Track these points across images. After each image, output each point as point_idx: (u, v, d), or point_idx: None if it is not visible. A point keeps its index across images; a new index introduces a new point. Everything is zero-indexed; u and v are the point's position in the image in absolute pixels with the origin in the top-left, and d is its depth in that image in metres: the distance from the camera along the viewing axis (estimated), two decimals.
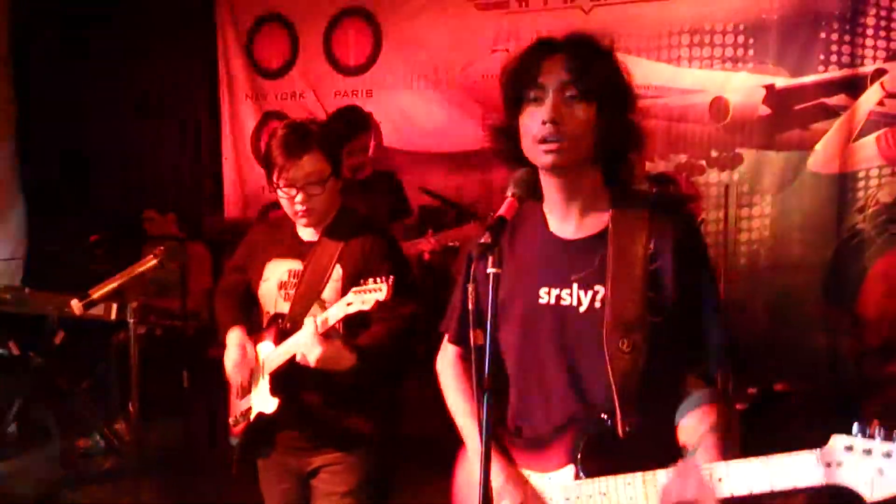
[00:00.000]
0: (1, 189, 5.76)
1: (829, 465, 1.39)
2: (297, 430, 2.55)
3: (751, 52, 5.26)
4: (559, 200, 1.78)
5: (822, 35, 5.09)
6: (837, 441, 1.38)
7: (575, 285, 1.73)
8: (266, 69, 6.23)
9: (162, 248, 2.47)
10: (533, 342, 1.79)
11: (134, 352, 2.64)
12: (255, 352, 2.57)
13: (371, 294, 2.18)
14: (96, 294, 2.37)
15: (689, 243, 1.74)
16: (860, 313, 5.09)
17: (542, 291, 1.76)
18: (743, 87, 5.29)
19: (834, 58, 5.10)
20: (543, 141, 1.66)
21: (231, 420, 2.70)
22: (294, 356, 2.37)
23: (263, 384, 2.54)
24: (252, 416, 2.58)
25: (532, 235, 1.83)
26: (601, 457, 1.66)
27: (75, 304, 2.40)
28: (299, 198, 2.41)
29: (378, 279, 2.19)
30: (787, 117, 5.21)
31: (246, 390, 2.64)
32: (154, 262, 2.43)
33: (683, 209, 1.89)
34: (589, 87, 1.64)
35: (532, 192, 1.72)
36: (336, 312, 2.26)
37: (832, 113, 5.11)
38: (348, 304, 2.23)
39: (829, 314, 5.15)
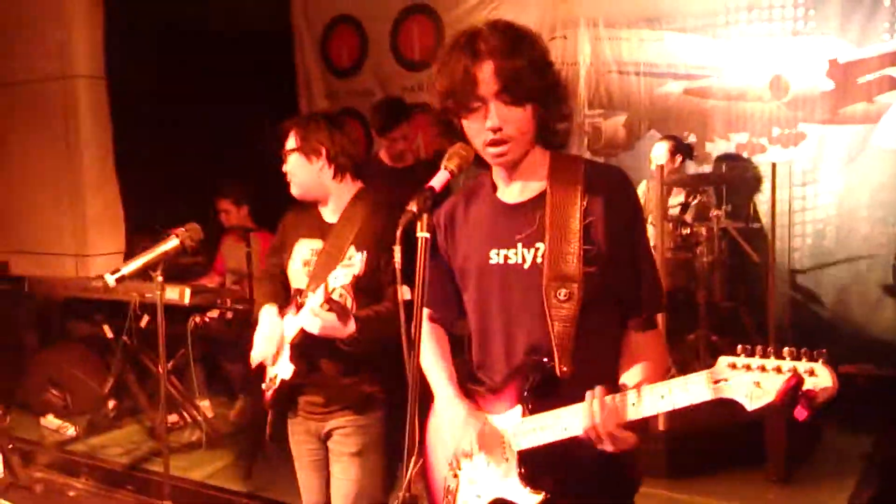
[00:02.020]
0: (103, 192, 6.30)
1: (716, 382, 1.54)
2: (313, 394, 2.78)
3: (811, 24, 5.16)
4: (504, 173, 1.95)
5: (886, 3, 4.95)
6: (722, 360, 1.53)
7: (520, 244, 1.89)
8: (339, 68, 6.56)
9: (183, 228, 2.74)
10: (486, 300, 1.96)
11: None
12: (282, 324, 2.82)
13: (349, 269, 2.39)
14: (125, 269, 2.68)
15: (619, 199, 1.87)
16: None
17: (492, 253, 1.93)
18: (804, 61, 5.19)
19: None
20: (491, 144, 1.83)
21: (263, 387, 2.95)
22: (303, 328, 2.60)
23: (285, 353, 2.78)
24: (277, 383, 2.82)
25: (483, 203, 2.01)
26: (544, 396, 1.83)
27: (107, 277, 2.72)
28: (285, 167, 2.78)
29: (358, 255, 2.39)
30: (850, 91, 5.09)
31: (274, 359, 2.89)
32: (176, 241, 2.71)
33: (614, 170, 2.00)
34: (522, 92, 1.79)
35: (466, 165, 1.87)
36: (328, 285, 2.48)
37: None
38: (335, 278, 2.44)
39: None
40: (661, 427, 4.19)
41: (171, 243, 2.75)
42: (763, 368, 1.48)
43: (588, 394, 1.71)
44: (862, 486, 4.00)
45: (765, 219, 5.16)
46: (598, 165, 1.98)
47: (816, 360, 1.42)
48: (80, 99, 6.30)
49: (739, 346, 1.52)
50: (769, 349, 1.49)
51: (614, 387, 1.75)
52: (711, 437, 4.32)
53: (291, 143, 2.78)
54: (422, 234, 1.74)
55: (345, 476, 2.76)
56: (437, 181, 1.81)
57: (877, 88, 5.02)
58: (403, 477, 1.69)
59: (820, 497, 3.97)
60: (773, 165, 4.75)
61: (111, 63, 6.25)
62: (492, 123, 1.80)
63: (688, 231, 4.83)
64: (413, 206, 1.74)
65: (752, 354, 1.50)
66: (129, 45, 6.20)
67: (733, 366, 1.52)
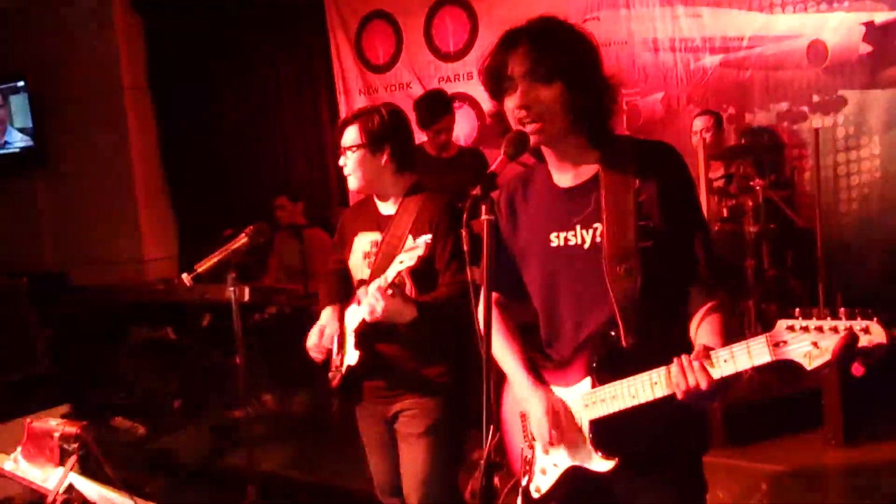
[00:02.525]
0: (154, 200, 6.51)
1: (776, 345, 1.62)
2: (379, 379, 2.89)
3: None
4: (554, 159, 2.03)
5: None
6: (781, 323, 1.61)
7: (578, 226, 1.98)
8: (374, 64, 6.66)
9: (251, 227, 2.88)
10: (550, 281, 2.05)
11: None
12: (342, 319, 2.93)
13: (414, 251, 2.49)
14: (201, 268, 2.83)
15: (671, 175, 1.95)
16: None
17: (553, 236, 2.02)
18: (840, 26, 5.17)
19: None
20: (521, 123, 1.91)
21: (329, 375, 3.07)
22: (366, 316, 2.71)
23: (349, 340, 2.90)
24: (343, 370, 2.94)
25: (540, 189, 2.10)
26: (611, 367, 1.91)
27: (185, 277, 2.87)
28: (341, 161, 2.87)
29: (422, 237, 2.49)
30: (889, 53, 5.06)
31: (340, 349, 3.01)
32: (245, 239, 2.85)
33: (665, 147, 2.06)
34: (549, 70, 1.87)
35: (522, 150, 1.96)
36: (392, 271, 2.59)
37: None
38: (400, 262, 2.55)
39: None
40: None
41: (241, 241, 2.89)
42: (820, 329, 1.55)
43: (678, 360, 1.77)
44: None
45: (809, 186, 5.17)
46: (647, 144, 2.04)
47: (871, 318, 1.50)
48: (126, 110, 6.49)
49: (798, 309, 1.59)
50: (825, 311, 1.56)
51: (676, 355, 1.82)
52: (769, 404, 4.38)
53: (354, 138, 2.84)
54: (487, 217, 1.83)
55: (412, 456, 2.85)
56: (498, 166, 1.90)
57: None
58: (483, 447, 1.79)
59: (880, 457, 3.99)
60: (816, 131, 4.76)
61: (153, 73, 6.43)
62: (519, 101, 1.88)
63: (733, 202, 4.86)
64: (476, 191, 1.83)
65: (809, 317, 1.58)
66: (170, 55, 6.37)
67: (791, 328, 1.59)
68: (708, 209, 4.42)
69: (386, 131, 2.83)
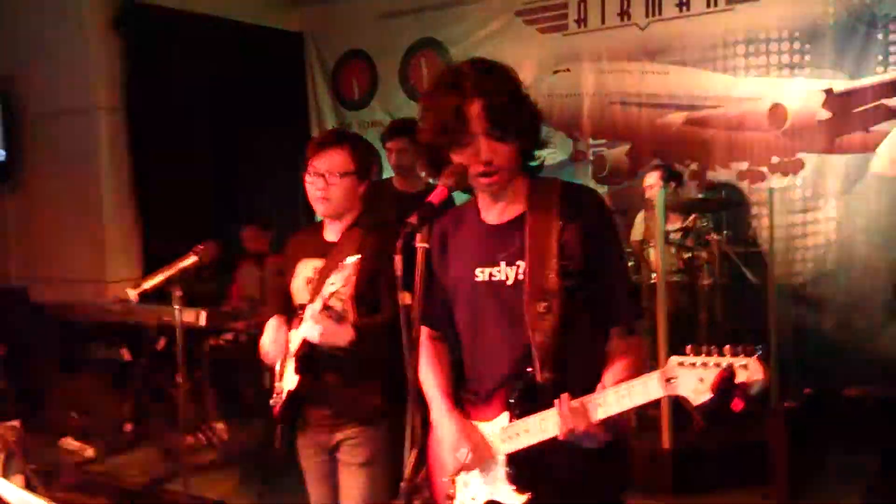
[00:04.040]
0: (121, 221, 6.50)
1: (668, 380, 1.68)
2: (321, 407, 2.87)
3: (807, 57, 5.34)
4: (486, 197, 2.11)
5: (880, 36, 5.12)
6: (673, 360, 1.68)
7: (503, 263, 2.04)
8: (349, 100, 6.77)
9: (201, 246, 2.90)
10: (474, 315, 2.11)
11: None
12: (287, 338, 2.94)
13: (342, 272, 2.51)
14: (147, 284, 2.84)
15: (592, 217, 2.02)
16: None
17: (478, 271, 2.08)
18: (801, 92, 5.36)
19: (893, 58, 5.11)
20: (482, 175, 1.98)
21: (271, 401, 3.07)
22: (304, 338, 2.73)
23: (290, 365, 2.89)
24: (284, 395, 2.94)
25: (469, 225, 2.17)
26: (527, 402, 1.96)
27: (130, 292, 2.88)
28: (319, 183, 2.78)
29: (350, 258, 2.52)
30: (847, 120, 5.24)
31: (281, 374, 3.01)
32: (194, 258, 2.87)
33: (588, 190, 2.16)
34: (508, 128, 1.96)
35: (463, 183, 2.02)
36: (325, 291, 2.61)
37: (893, 114, 5.10)
38: (332, 284, 2.56)
39: None
40: (665, 445, 4.29)
41: (190, 259, 2.91)
42: (705, 365, 1.61)
43: (556, 401, 1.84)
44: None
45: (766, 244, 5.29)
46: (572, 187, 2.12)
47: (750, 356, 1.56)
48: (100, 130, 6.51)
49: (689, 346, 1.66)
50: (713, 347, 1.62)
51: (591, 391, 1.87)
52: (717, 456, 4.43)
53: (344, 163, 2.79)
54: (421, 244, 1.88)
55: (354, 485, 2.84)
56: (435, 196, 1.96)
57: (872, 118, 5.17)
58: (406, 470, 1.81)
59: None
60: (770, 191, 4.89)
61: (130, 95, 6.47)
62: (484, 157, 1.95)
63: (689, 255, 4.96)
64: (412, 219, 1.89)
65: (698, 353, 1.64)
66: (147, 78, 6.41)
67: (682, 364, 1.66)
68: (663, 261, 4.50)
69: (370, 161, 2.88)
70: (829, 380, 4.87)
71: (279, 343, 2.91)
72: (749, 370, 1.54)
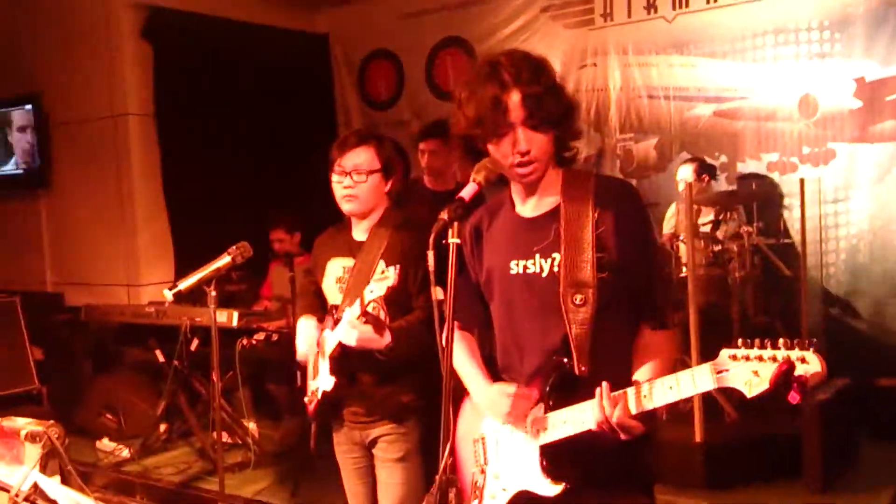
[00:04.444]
0: (153, 225, 6.58)
1: (719, 372, 1.67)
2: (356, 405, 2.91)
3: (837, 46, 5.26)
4: (521, 190, 2.12)
5: None
6: (724, 353, 1.67)
7: (537, 255, 2.05)
8: (376, 101, 6.79)
9: (234, 246, 2.93)
10: (509, 308, 2.12)
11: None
12: (321, 337, 2.97)
13: (383, 282, 2.54)
14: (182, 285, 2.88)
15: (627, 209, 2.03)
16: None
17: (512, 264, 2.09)
18: (831, 81, 5.29)
19: None
20: (519, 165, 1.99)
21: (306, 399, 3.10)
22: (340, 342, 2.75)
23: (324, 365, 2.92)
24: (319, 395, 2.97)
25: (504, 217, 2.18)
26: (564, 393, 1.97)
27: (166, 293, 2.92)
28: (346, 181, 2.79)
29: (391, 268, 2.55)
30: (879, 109, 5.17)
31: (315, 374, 3.04)
32: (228, 258, 2.91)
33: (623, 183, 2.15)
34: (546, 119, 1.97)
35: (493, 178, 2.04)
36: (364, 298, 2.63)
37: None
38: (371, 291, 2.59)
39: None
40: (698, 438, 4.26)
41: (224, 260, 2.94)
42: (760, 358, 1.60)
43: (597, 390, 1.84)
44: None
45: (797, 236, 5.24)
46: (607, 179, 2.14)
47: (808, 349, 1.55)
48: (130, 136, 6.59)
49: (740, 340, 1.65)
50: (766, 341, 1.61)
51: (627, 383, 1.88)
52: (749, 449, 4.39)
53: (370, 161, 2.81)
54: (453, 240, 1.90)
55: (391, 480, 2.87)
56: (467, 192, 1.98)
57: None
58: (440, 463, 1.83)
59: None
60: (802, 181, 4.83)
61: (160, 101, 6.55)
62: (521, 147, 1.96)
63: (719, 248, 4.92)
64: (445, 215, 1.90)
65: (750, 346, 1.63)
66: (176, 84, 6.49)
67: (734, 357, 1.65)
68: (694, 254, 4.47)
69: (395, 159, 2.91)
70: (863, 371, 4.81)
71: (312, 342, 2.94)
72: (808, 363, 1.53)
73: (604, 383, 1.84)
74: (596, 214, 1.99)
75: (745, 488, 4.20)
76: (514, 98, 1.94)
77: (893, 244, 5.20)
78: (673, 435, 4.25)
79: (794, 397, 1.53)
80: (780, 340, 1.58)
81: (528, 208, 2.11)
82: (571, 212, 2.02)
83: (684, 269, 4.49)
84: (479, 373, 2.19)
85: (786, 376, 1.54)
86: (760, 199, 5.27)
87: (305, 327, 3.00)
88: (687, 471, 4.20)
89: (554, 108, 1.96)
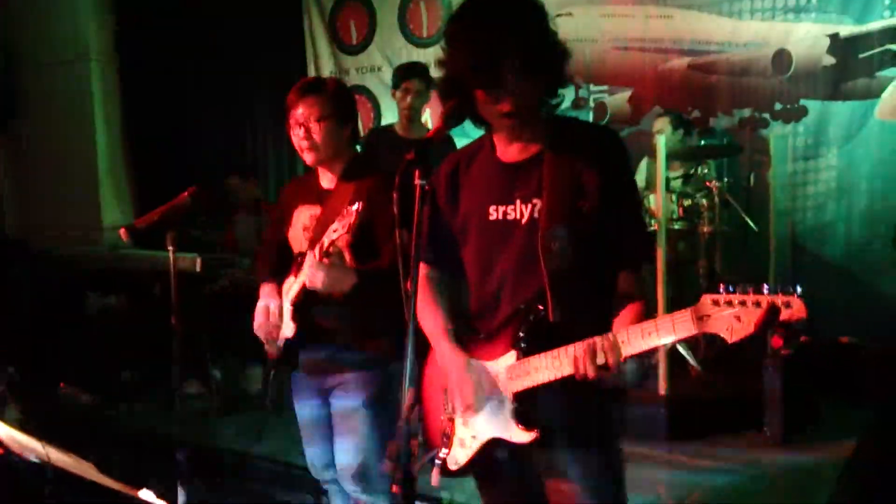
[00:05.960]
0: (114, 169, 6.45)
1: (700, 318, 1.65)
2: (315, 353, 2.86)
3: (813, 1, 5.21)
4: (503, 134, 2.05)
5: None
6: (706, 298, 1.65)
7: (518, 201, 2.00)
8: (347, 45, 6.65)
9: (194, 187, 2.85)
10: (486, 254, 2.07)
11: None
12: (280, 294, 2.91)
13: (345, 219, 2.49)
14: (140, 224, 2.80)
15: (610, 157, 1.98)
16: None
17: (492, 209, 2.04)
18: (806, 37, 5.26)
19: None
20: (505, 115, 1.93)
21: (267, 347, 3.05)
22: (304, 284, 2.70)
23: (286, 312, 2.88)
24: (280, 342, 2.92)
25: (483, 162, 2.11)
26: (538, 340, 1.93)
27: (122, 232, 2.83)
28: (301, 132, 2.74)
29: (353, 206, 2.49)
30: (852, 66, 5.16)
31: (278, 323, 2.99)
32: (188, 198, 2.82)
33: (608, 131, 2.10)
34: (539, 66, 1.89)
35: (460, 121, 1.98)
36: (325, 240, 2.58)
37: None
38: (334, 231, 2.55)
39: None
40: (662, 392, 4.29)
41: (183, 200, 2.86)
42: (743, 303, 1.59)
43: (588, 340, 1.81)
44: (860, 451, 4.08)
45: (767, 192, 5.24)
46: (591, 127, 2.10)
47: (792, 294, 1.53)
48: (92, 80, 6.43)
49: (721, 284, 1.62)
50: (749, 287, 1.59)
51: (604, 331, 1.84)
52: (713, 403, 4.44)
53: (325, 108, 2.75)
54: (420, 181, 1.83)
55: (348, 428, 2.83)
56: (433, 133, 1.91)
57: (878, 63, 5.09)
58: (402, 409, 1.78)
59: (817, 460, 4.05)
60: (769, 138, 4.82)
61: (121, 45, 6.37)
62: (510, 94, 1.89)
63: (689, 202, 4.91)
64: (410, 156, 1.83)
65: (733, 292, 1.60)
66: (139, 27, 6.31)
67: (716, 302, 1.63)
68: (664, 207, 4.46)
69: (351, 104, 2.84)
70: (827, 328, 4.86)
71: (273, 316, 2.88)
72: (793, 308, 1.52)
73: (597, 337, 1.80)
74: (580, 162, 1.95)
75: (708, 441, 4.25)
76: (507, 45, 1.85)
77: (860, 202, 5.22)
78: (637, 390, 4.28)
79: (776, 342, 1.52)
80: (764, 286, 1.56)
81: (510, 153, 2.05)
82: (555, 158, 1.97)
83: (653, 222, 4.47)
84: (445, 338, 2.12)
85: (770, 322, 1.52)
86: (730, 154, 5.26)
87: (265, 293, 2.93)
88: (651, 423, 4.24)
89: (548, 54, 1.90)
